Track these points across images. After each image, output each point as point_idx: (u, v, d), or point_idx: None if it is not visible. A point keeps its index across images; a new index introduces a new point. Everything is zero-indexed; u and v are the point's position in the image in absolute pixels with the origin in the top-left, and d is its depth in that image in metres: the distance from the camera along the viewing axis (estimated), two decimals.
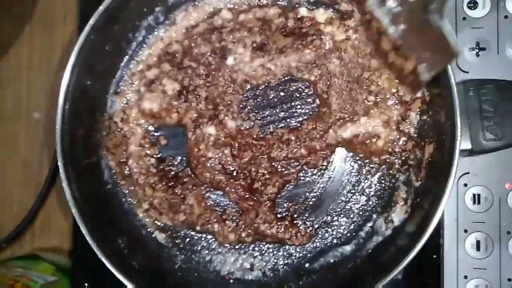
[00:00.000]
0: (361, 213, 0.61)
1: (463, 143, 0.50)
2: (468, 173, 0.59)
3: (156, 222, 0.63)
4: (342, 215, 0.61)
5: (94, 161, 0.61)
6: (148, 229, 0.63)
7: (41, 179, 0.68)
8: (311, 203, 0.61)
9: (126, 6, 0.58)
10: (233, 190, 0.61)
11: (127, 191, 0.63)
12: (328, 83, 0.61)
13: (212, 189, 0.62)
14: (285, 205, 0.62)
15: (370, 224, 0.60)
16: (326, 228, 0.61)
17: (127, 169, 0.63)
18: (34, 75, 0.71)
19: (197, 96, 0.62)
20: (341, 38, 0.60)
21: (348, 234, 0.61)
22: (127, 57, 0.63)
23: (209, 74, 0.62)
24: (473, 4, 0.60)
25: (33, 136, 0.70)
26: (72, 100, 0.56)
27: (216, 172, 0.61)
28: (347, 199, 0.61)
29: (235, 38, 0.61)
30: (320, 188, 0.61)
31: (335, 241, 0.61)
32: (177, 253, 0.62)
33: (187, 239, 0.62)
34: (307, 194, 0.62)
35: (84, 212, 0.55)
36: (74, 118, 0.57)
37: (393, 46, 0.53)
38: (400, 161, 0.60)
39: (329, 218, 0.61)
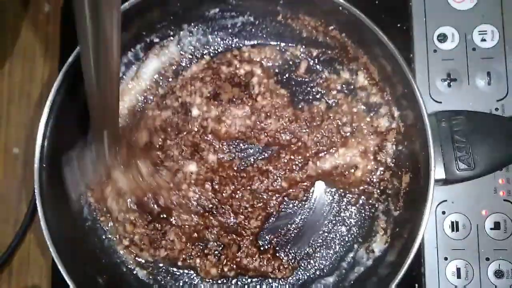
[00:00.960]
0: (342, 243, 0.61)
1: (437, 173, 0.51)
2: (445, 201, 0.60)
3: (137, 258, 0.62)
4: (324, 246, 0.61)
5: (74, 200, 0.60)
6: (129, 266, 0.62)
7: (19, 215, 0.67)
8: (293, 235, 0.61)
9: None
10: (213, 229, 0.61)
11: (107, 228, 0.62)
12: (286, 132, 0.62)
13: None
14: (267, 237, 0.62)
15: (351, 254, 0.60)
16: (309, 260, 0.61)
17: (107, 205, 0.62)
18: (14, 111, 0.70)
19: (171, 155, 0.61)
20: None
21: (331, 266, 0.61)
22: None
23: (180, 132, 0.62)
24: (443, 37, 0.63)
25: (11, 172, 0.69)
26: (51, 136, 0.56)
27: (194, 214, 0.61)
28: (328, 230, 0.61)
29: (189, 91, 0.62)
30: (302, 220, 0.62)
31: (318, 272, 0.61)
32: None
33: (169, 276, 0.62)
34: (289, 226, 0.62)
35: (63, 251, 0.54)
36: (53, 154, 0.56)
37: None
38: (378, 191, 0.61)
39: (311, 249, 0.61)
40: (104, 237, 0.62)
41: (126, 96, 0.64)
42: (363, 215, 0.61)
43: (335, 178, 0.61)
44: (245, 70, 0.63)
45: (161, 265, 0.62)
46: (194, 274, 0.61)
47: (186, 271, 0.61)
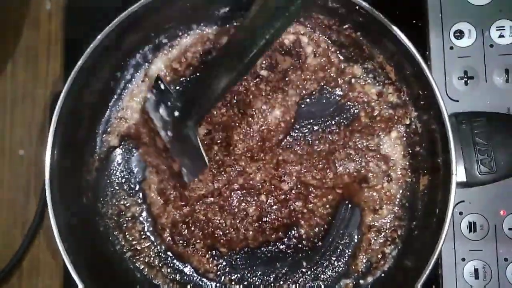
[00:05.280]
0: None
1: (458, 176, 0.50)
2: (463, 201, 0.59)
3: (147, 262, 0.61)
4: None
5: (84, 203, 0.60)
6: (142, 271, 0.61)
7: (27, 217, 0.66)
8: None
9: (115, 46, 0.57)
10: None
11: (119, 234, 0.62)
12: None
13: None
14: None
15: (367, 258, 0.59)
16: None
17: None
18: (18, 112, 0.69)
19: None
20: None
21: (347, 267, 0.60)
22: (115, 96, 0.62)
23: None
24: (459, 34, 0.61)
25: (17, 173, 0.68)
26: (61, 142, 0.55)
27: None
28: None
29: None
30: None
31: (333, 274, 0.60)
32: None
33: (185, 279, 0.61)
34: None
35: (74, 255, 0.53)
36: (62, 161, 0.55)
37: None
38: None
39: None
40: (116, 242, 0.61)
41: (137, 98, 0.63)
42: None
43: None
44: (289, 40, 0.61)
45: (175, 268, 0.61)
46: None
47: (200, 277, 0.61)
